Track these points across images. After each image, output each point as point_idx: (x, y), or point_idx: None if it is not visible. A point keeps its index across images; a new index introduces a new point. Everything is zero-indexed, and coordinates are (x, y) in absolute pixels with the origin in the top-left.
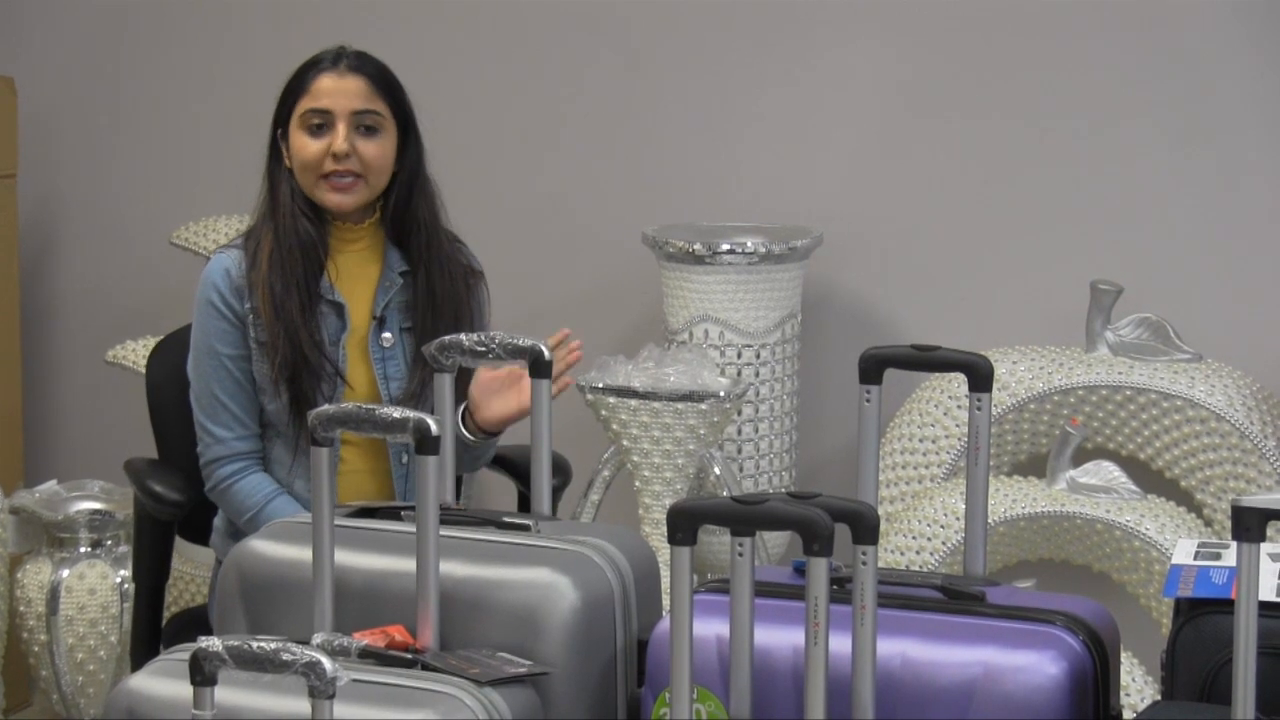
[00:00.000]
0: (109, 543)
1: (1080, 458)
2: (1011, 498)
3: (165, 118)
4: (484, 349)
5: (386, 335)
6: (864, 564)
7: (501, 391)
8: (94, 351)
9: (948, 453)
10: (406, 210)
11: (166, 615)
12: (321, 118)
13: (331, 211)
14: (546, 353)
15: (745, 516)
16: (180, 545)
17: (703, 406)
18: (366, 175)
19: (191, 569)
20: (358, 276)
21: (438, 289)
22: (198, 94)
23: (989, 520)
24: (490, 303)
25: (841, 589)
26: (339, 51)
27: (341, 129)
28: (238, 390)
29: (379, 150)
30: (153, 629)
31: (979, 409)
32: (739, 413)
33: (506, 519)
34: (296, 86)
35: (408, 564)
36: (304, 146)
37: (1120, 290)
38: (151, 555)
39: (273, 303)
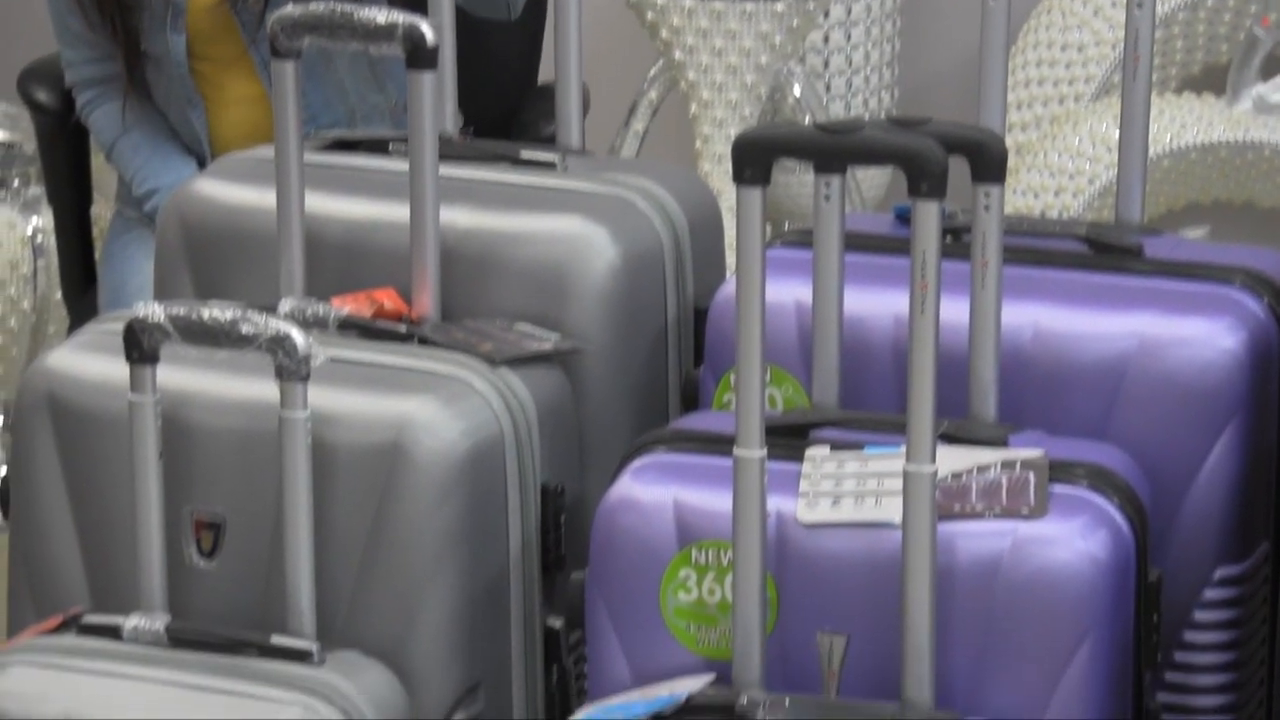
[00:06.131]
0: (16, 183)
1: (1271, 69)
2: (1180, 122)
3: None
4: None
5: None
6: (986, 209)
7: None
8: None
9: (1097, 65)
10: None
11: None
12: None
13: None
14: None
15: (833, 148)
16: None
17: (778, 7)
18: None
19: None
20: None
21: None
22: None
23: (1150, 152)
24: None
25: (957, 241)
26: None
27: None
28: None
29: None
30: (86, 270)
31: (1140, 6)
32: (825, 14)
33: (525, 155)
34: None
35: (399, 211)
36: None
37: None
38: (66, 182)
39: None
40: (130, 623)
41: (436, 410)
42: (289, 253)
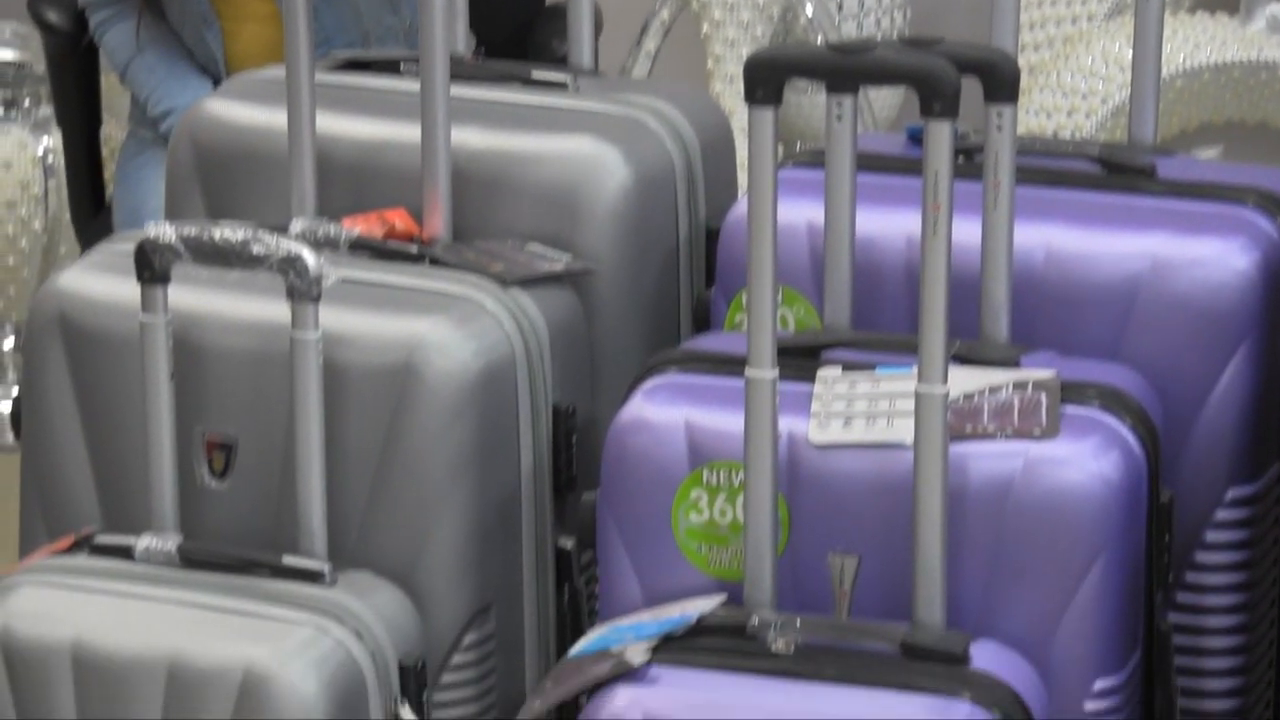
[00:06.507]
0: (27, 103)
1: None
2: (1194, 41)
3: None
4: None
5: None
6: (999, 129)
7: None
8: None
9: None
10: None
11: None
12: None
13: None
14: None
15: (845, 68)
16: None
17: None
18: None
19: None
20: None
21: None
22: None
23: (1163, 72)
24: None
25: (970, 162)
26: None
27: None
28: None
29: None
30: (95, 192)
31: None
32: None
33: (537, 75)
34: None
35: (410, 131)
36: None
37: None
38: (76, 104)
39: None
40: (142, 543)
41: (448, 331)
42: (300, 173)
